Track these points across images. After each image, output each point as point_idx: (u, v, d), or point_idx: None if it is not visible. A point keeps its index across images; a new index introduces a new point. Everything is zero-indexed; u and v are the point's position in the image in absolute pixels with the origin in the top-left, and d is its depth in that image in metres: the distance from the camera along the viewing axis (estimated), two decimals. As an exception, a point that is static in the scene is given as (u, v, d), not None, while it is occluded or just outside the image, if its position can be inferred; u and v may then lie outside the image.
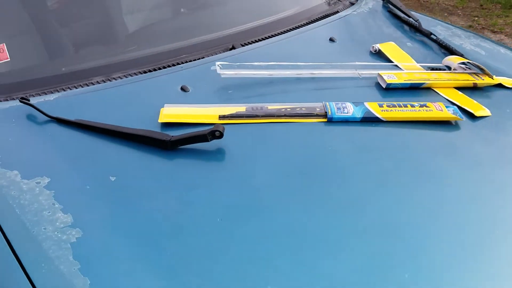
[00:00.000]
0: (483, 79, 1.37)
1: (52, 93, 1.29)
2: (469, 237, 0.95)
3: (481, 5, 4.95)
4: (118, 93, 1.30)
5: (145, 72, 1.38)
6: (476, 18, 4.62)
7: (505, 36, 4.21)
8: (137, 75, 1.37)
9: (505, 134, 1.23)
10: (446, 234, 0.94)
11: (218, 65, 1.32)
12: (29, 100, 1.22)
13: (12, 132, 1.16)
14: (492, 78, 1.38)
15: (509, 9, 4.79)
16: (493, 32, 4.32)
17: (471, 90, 1.36)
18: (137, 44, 1.51)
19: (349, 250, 0.90)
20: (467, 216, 0.99)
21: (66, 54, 1.46)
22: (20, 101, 1.21)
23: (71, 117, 1.18)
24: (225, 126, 1.10)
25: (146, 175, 1.05)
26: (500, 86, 1.39)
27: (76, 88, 1.31)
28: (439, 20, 1.86)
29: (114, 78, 1.35)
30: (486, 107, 1.28)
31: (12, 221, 0.93)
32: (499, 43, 1.73)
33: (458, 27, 1.79)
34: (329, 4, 1.86)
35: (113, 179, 1.03)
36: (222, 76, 1.31)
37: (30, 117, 1.21)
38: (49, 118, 1.19)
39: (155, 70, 1.39)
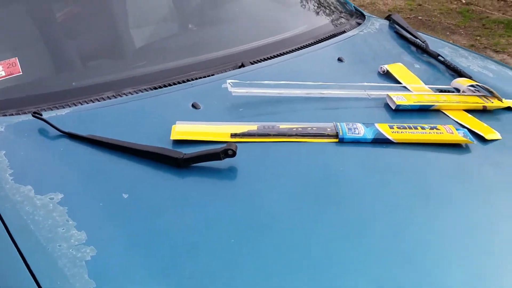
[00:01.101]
0: (492, 102, 1.38)
1: (63, 107, 1.29)
2: (481, 262, 0.95)
3: (484, 25, 5.00)
4: (129, 109, 1.30)
5: (155, 88, 1.39)
6: (479, 38, 4.66)
7: (508, 55, 4.24)
8: (147, 91, 1.38)
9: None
10: (458, 259, 0.95)
11: (229, 83, 1.33)
12: (41, 115, 1.22)
13: (24, 147, 1.17)
14: (502, 101, 1.39)
15: (511, 29, 4.85)
16: (496, 51, 4.35)
17: (480, 112, 1.37)
18: (146, 60, 1.52)
19: (362, 273, 0.90)
20: (479, 241, 0.99)
21: (77, 69, 1.47)
22: (33, 116, 1.22)
23: (83, 132, 1.19)
24: (237, 144, 1.11)
25: (159, 193, 1.05)
26: (509, 109, 1.40)
27: (87, 103, 1.32)
28: (445, 41, 1.88)
29: (124, 94, 1.36)
30: (496, 130, 1.29)
31: (27, 237, 0.93)
32: (507, 65, 1.74)
33: (465, 49, 1.81)
34: (336, 23, 1.88)
35: (126, 196, 1.03)
36: (233, 94, 1.32)
37: (42, 132, 1.21)
38: (61, 133, 1.19)
39: (165, 86, 1.40)
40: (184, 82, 1.42)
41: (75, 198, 1.03)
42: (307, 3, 2.00)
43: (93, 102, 1.32)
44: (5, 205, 1.00)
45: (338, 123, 1.23)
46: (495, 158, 1.21)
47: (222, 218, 1.00)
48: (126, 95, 1.35)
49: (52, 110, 1.28)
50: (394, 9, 5.45)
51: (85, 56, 1.48)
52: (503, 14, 5.35)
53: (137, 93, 1.37)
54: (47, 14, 1.47)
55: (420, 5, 5.69)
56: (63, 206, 0.99)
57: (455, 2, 5.79)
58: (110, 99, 1.33)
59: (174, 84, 1.41)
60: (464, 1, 5.79)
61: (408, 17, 5.22)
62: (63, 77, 1.44)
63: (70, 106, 1.30)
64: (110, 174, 1.10)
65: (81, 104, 1.31)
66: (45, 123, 1.21)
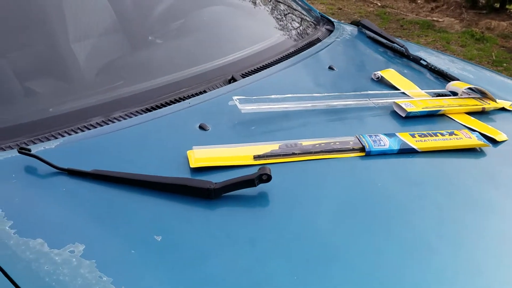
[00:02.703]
0: (489, 104, 1.41)
1: (48, 139, 1.11)
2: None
3: (401, 26, 5.27)
4: (128, 136, 1.15)
5: (148, 110, 1.25)
6: (400, 38, 4.89)
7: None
8: (140, 113, 1.23)
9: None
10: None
11: (236, 100, 1.23)
12: (30, 150, 1.03)
13: (17, 191, 0.98)
14: (496, 102, 1.42)
15: (426, 29, 5.15)
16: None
17: (480, 114, 1.39)
18: (131, 79, 1.36)
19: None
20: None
21: (57, 93, 1.28)
22: (20, 152, 1.03)
23: (83, 167, 1.02)
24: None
25: (196, 231, 0.93)
26: (503, 109, 1.43)
27: (75, 132, 1.14)
28: (416, 44, 1.91)
29: (116, 119, 1.20)
30: (500, 131, 1.31)
31: (59, 304, 0.77)
32: (482, 66, 1.80)
33: (439, 52, 1.85)
34: (308, 32, 1.83)
35: (159, 238, 0.89)
36: (243, 111, 1.21)
37: (33, 170, 1.03)
38: (57, 170, 1.02)
39: (158, 107, 1.27)
40: (178, 101, 1.29)
41: (100, 248, 0.87)
42: (275, 11, 1.94)
43: (82, 130, 1.15)
44: (16, 266, 0.82)
45: (361, 136, 1.17)
46: (512, 159, 1.23)
47: (275, 253, 0.89)
48: (119, 120, 1.19)
49: (35, 143, 1.10)
50: (317, 14, 5.57)
51: (65, 77, 1.29)
52: (416, 15, 5.68)
53: (130, 117, 1.21)
54: (15, 33, 1.27)
55: (340, 9, 5.88)
56: (89, 260, 0.84)
57: (372, 5, 6.05)
58: (101, 125, 1.17)
59: (167, 104, 1.28)
60: (379, 4, 6.07)
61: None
62: (41, 103, 1.24)
63: (56, 138, 1.12)
64: (133, 214, 0.95)
65: (69, 134, 1.13)
66: (34, 160, 1.02)
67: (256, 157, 1.10)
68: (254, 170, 1.02)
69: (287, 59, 1.56)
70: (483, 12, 5.54)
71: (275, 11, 1.93)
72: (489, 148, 1.24)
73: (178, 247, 0.89)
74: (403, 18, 5.53)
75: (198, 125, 1.19)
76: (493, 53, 4.61)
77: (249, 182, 0.99)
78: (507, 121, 1.39)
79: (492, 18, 5.33)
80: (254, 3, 1.90)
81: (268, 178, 1.00)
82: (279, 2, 1.97)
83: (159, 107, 1.26)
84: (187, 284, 0.82)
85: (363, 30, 1.89)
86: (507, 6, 5.51)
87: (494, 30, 5.16)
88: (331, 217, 0.99)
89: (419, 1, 6.06)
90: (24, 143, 1.09)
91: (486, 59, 4.53)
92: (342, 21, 5.31)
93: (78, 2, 1.37)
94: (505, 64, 4.41)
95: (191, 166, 1.05)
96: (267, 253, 0.89)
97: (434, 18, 5.51)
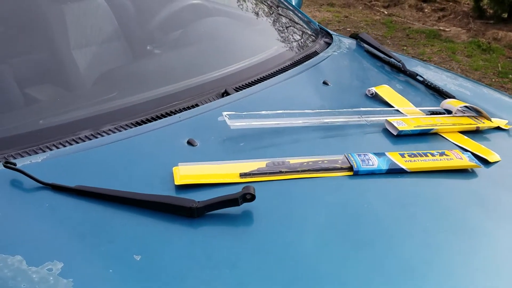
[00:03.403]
0: (483, 123, 1.39)
1: (36, 153, 1.11)
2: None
3: (407, 35, 5.25)
4: (116, 150, 1.15)
5: (138, 123, 1.25)
6: (405, 48, 4.88)
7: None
8: (130, 127, 1.23)
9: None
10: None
11: (225, 116, 1.22)
12: (15, 164, 1.04)
13: (0, 204, 0.98)
14: (491, 121, 1.41)
15: (432, 38, 5.12)
16: (422, 60, 4.57)
17: (473, 133, 1.37)
18: (121, 92, 1.36)
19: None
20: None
21: (44, 105, 1.28)
22: (5, 166, 1.03)
23: (68, 182, 1.02)
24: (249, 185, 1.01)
25: (176, 250, 0.92)
26: (498, 128, 1.42)
27: (63, 145, 1.14)
28: (414, 59, 1.89)
29: (105, 132, 1.20)
30: (493, 151, 1.29)
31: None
32: (480, 82, 1.79)
33: (435, 66, 1.83)
34: (306, 44, 1.83)
35: (138, 258, 0.89)
36: (232, 127, 1.21)
37: (17, 184, 1.03)
38: (42, 185, 1.02)
39: (148, 120, 1.26)
40: (169, 114, 1.29)
41: (79, 266, 0.87)
42: (273, 23, 1.94)
43: (70, 144, 1.15)
44: (-8, 284, 0.82)
45: (349, 155, 1.16)
46: (504, 181, 1.21)
47: (256, 276, 0.88)
48: (108, 134, 1.19)
49: (23, 157, 1.10)
50: (323, 21, 5.57)
51: (54, 90, 1.30)
52: (423, 24, 5.65)
53: (119, 130, 1.21)
54: (2, 47, 1.27)
55: (346, 17, 5.87)
56: (66, 278, 0.83)
57: (378, 14, 6.04)
58: (90, 139, 1.17)
59: (158, 118, 1.27)
60: (386, 12, 6.05)
61: (338, 29, 5.35)
62: (30, 116, 1.24)
63: (43, 151, 1.12)
64: (115, 232, 0.95)
65: (57, 148, 1.13)
66: (19, 174, 1.03)
67: (242, 175, 1.09)
68: (239, 188, 1.01)
69: (282, 72, 1.56)
70: (490, 22, 5.50)
71: (273, 23, 1.93)
72: (481, 169, 1.22)
73: (156, 267, 0.88)
74: (410, 27, 5.51)
75: (186, 141, 1.18)
76: (499, 64, 4.57)
77: (232, 201, 0.98)
78: (502, 141, 1.37)
79: (499, 29, 5.29)
80: (252, 15, 1.90)
81: (252, 197, 0.99)
82: (278, 14, 1.97)
83: (150, 121, 1.26)
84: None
85: (361, 43, 1.88)
86: (514, 17, 5.47)
87: (501, 40, 5.12)
88: (315, 238, 0.98)
89: (426, 10, 6.03)
90: (12, 156, 1.09)
91: (492, 70, 4.49)
92: (347, 29, 5.22)
93: (66, 18, 1.37)
94: (511, 76, 4.37)
95: (176, 183, 1.04)
96: (248, 276, 0.88)
97: (441, 28, 5.48)
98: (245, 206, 1.00)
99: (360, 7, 6.33)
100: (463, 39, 5.17)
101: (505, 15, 5.49)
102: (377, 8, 6.21)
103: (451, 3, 6.20)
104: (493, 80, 4.29)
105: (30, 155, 1.10)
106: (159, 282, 0.86)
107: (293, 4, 2.16)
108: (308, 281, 0.88)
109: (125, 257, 0.89)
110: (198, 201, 0.98)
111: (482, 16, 5.63)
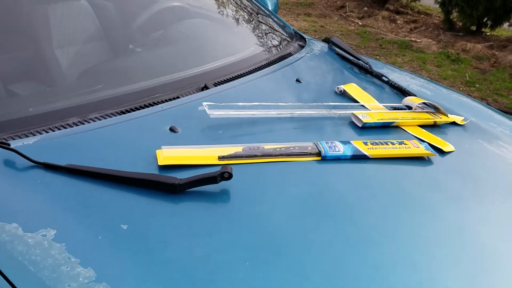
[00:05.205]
0: (441, 118, 1.53)
1: (27, 136, 1.20)
2: (469, 260, 1.05)
3: (380, 45, 5.45)
4: (103, 135, 1.24)
5: (122, 112, 1.34)
6: (378, 57, 5.07)
7: (407, 74, 4.65)
8: (115, 115, 1.32)
9: (473, 167, 1.37)
10: (448, 258, 1.04)
11: (205, 106, 1.33)
12: (9, 145, 1.12)
13: (-5, 181, 1.06)
14: (448, 117, 1.54)
15: (404, 48, 5.34)
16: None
17: (431, 127, 1.50)
18: (108, 83, 1.46)
19: (367, 285, 0.95)
20: (462, 243, 1.09)
21: (36, 93, 1.37)
22: (0, 146, 1.11)
23: (58, 162, 1.11)
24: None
25: (160, 221, 1.02)
26: (454, 123, 1.55)
27: (52, 130, 1.23)
28: (381, 62, 2.03)
29: (91, 119, 1.29)
30: (449, 142, 1.42)
31: (29, 279, 0.85)
32: (439, 83, 1.93)
33: (400, 69, 1.97)
34: (281, 46, 1.95)
35: (125, 227, 0.98)
36: (211, 116, 1.31)
37: (10, 163, 1.11)
38: (34, 164, 1.10)
39: (132, 110, 1.36)
40: (152, 105, 1.39)
41: (70, 233, 0.96)
42: (251, 26, 2.05)
43: (59, 129, 1.24)
44: (-9, 247, 0.91)
45: (318, 142, 1.28)
46: (455, 168, 1.34)
47: (231, 243, 0.99)
48: (94, 121, 1.28)
49: (14, 139, 1.18)
50: (299, 30, 5.70)
51: (45, 79, 1.38)
52: (395, 35, 5.87)
53: (104, 118, 1.30)
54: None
55: (322, 26, 6.05)
56: (59, 243, 0.92)
57: (353, 24, 6.24)
58: (77, 125, 1.26)
59: (142, 107, 1.37)
60: (360, 23, 6.26)
61: (314, 38, 5.51)
62: (22, 103, 1.32)
63: (34, 135, 1.20)
64: (102, 205, 1.04)
65: (47, 132, 1.22)
66: (11, 153, 1.11)
67: (221, 158, 1.19)
68: (217, 169, 1.11)
69: (258, 70, 1.67)
70: (459, 34, 5.76)
71: (251, 26, 2.05)
72: (435, 158, 1.35)
73: (142, 234, 0.98)
74: (383, 38, 5.72)
75: (168, 128, 1.28)
76: (466, 74, 4.79)
77: (211, 179, 1.09)
78: (456, 134, 1.51)
79: (468, 40, 5.54)
80: (231, 18, 2.02)
81: (230, 176, 1.10)
82: (255, 17, 2.09)
83: (134, 110, 1.35)
84: (148, 267, 0.91)
85: (333, 47, 2.01)
86: (482, 29, 5.73)
87: (469, 52, 5.36)
88: (285, 213, 1.09)
89: (398, 22, 6.26)
90: (4, 139, 1.17)
91: (460, 79, 4.71)
92: (323, 38, 5.40)
93: (59, 9, 1.47)
94: (477, 85, 4.59)
95: (159, 163, 1.14)
96: (223, 243, 0.98)
97: (413, 39, 5.71)
98: (223, 184, 1.11)
99: (336, 18, 6.53)
100: (433, 50, 5.39)
101: (474, 28, 5.75)
102: (352, 19, 6.41)
103: (422, 16, 6.46)
104: (461, 89, 4.50)
105: (22, 138, 1.19)
106: (144, 247, 0.95)
107: (270, 9, 2.29)
108: (277, 246, 0.99)
109: (113, 226, 0.98)
110: (180, 179, 1.08)
111: (452, 28, 5.89)
